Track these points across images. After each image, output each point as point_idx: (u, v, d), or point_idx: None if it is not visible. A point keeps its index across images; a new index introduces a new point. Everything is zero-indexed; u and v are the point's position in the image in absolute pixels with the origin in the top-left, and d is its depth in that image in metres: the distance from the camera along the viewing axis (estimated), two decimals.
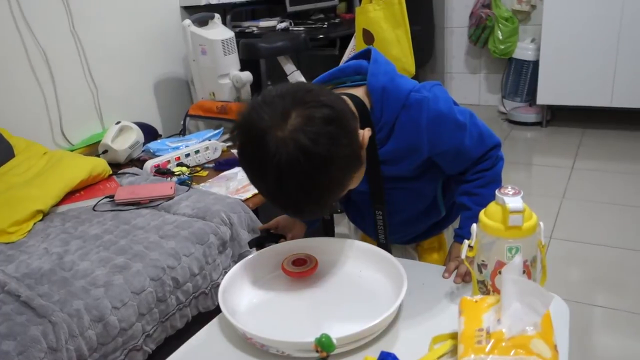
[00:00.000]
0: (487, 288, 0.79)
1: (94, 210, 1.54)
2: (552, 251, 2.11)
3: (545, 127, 3.58)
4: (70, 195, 1.62)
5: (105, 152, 2.00)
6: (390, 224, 0.98)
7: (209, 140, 2.07)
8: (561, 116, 3.70)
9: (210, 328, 0.84)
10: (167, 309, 1.25)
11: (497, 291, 0.78)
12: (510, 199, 0.74)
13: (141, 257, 1.26)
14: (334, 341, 0.68)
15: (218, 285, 0.87)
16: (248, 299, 0.88)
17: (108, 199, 1.59)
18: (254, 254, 0.95)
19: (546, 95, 3.44)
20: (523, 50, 3.61)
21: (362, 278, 0.91)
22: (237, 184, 1.71)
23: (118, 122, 2.06)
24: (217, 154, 2.03)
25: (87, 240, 1.36)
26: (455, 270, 0.93)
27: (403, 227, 1.06)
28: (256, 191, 1.64)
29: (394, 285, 0.85)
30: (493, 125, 3.58)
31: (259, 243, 1.02)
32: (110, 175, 1.76)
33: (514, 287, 0.65)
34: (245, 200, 1.59)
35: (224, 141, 2.22)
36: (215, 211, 1.45)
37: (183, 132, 2.43)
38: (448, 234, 1.12)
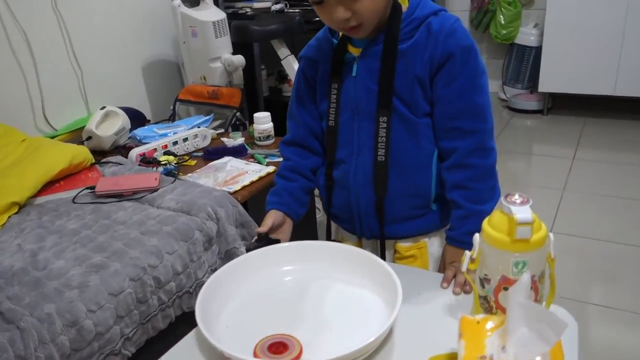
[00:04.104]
0: (489, 304, 0.72)
1: (74, 202, 1.46)
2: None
3: (546, 115, 3.50)
4: (49, 185, 1.53)
5: (89, 138, 1.91)
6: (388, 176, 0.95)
7: (198, 127, 1.98)
8: (563, 104, 3.62)
9: (188, 340, 0.79)
10: (148, 310, 1.17)
11: (500, 308, 0.71)
12: (518, 208, 0.66)
13: (120, 255, 1.19)
14: None
15: (203, 284, 0.81)
16: (228, 312, 0.82)
17: (89, 190, 1.51)
18: (235, 260, 0.88)
19: (548, 82, 3.35)
20: (525, 36, 3.51)
21: (353, 287, 0.84)
22: (226, 175, 1.63)
23: (103, 107, 1.97)
24: (207, 142, 1.95)
25: (64, 236, 1.28)
26: (454, 280, 0.86)
27: (398, 180, 0.96)
28: (246, 183, 1.56)
29: (387, 297, 0.78)
30: (492, 112, 3.53)
31: (258, 249, 0.94)
32: (92, 164, 1.67)
33: (522, 311, 0.58)
34: (234, 193, 1.51)
35: (214, 128, 2.14)
36: (201, 205, 1.37)
37: (172, 117, 2.34)
38: (429, 242, 1.04)
